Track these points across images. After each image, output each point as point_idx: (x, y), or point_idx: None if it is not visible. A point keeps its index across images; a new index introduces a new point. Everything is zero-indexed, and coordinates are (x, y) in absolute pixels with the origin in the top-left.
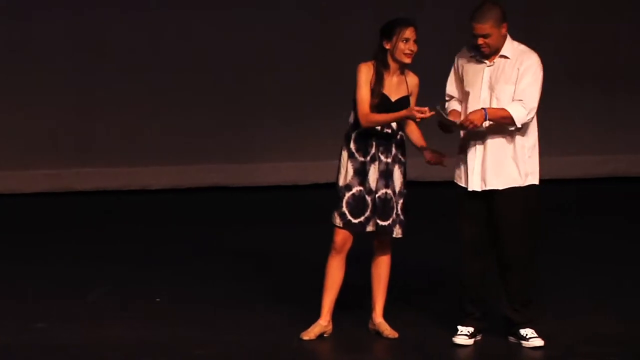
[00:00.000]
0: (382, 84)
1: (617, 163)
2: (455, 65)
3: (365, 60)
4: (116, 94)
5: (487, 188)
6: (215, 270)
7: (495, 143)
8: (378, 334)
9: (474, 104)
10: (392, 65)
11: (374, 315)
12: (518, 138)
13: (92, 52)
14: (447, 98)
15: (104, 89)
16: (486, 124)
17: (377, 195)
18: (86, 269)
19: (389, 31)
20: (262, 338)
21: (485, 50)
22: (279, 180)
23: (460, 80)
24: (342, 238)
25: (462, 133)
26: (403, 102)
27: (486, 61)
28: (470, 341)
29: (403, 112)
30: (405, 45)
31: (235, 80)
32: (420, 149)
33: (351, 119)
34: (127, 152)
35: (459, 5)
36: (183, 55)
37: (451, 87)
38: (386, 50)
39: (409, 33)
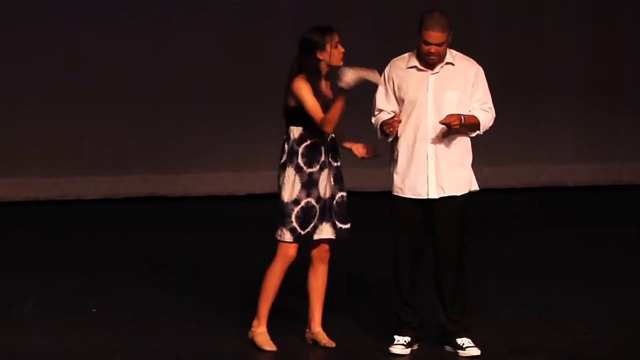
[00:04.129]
0: (321, 92)
1: (551, 173)
2: (387, 76)
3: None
4: (48, 104)
5: (446, 195)
6: (145, 280)
7: (444, 150)
8: (315, 343)
9: (421, 113)
10: (324, 72)
11: (312, 324)
12: (463, 144)
13: (20, 60)
14: (376, 112)
15: (34, 98)
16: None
17: (335, 201)
18: (18, 278)
19: (320, 42)
20: (188, 347)
21: (434, 58)
22: (214, 190)
23: (393, 93)
24: (293, 251)
25: (399, 144)
26: (334, 102)
27: (428, 70)
28: (407, 350)
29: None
30: (338, 49)
31: (169, 90)
32: (350, 148)
33: (294, 134)
34: (61, 162)
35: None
36: (113, 66)
37: (382, 101)
38: (320, 60)
39: (337, 38)
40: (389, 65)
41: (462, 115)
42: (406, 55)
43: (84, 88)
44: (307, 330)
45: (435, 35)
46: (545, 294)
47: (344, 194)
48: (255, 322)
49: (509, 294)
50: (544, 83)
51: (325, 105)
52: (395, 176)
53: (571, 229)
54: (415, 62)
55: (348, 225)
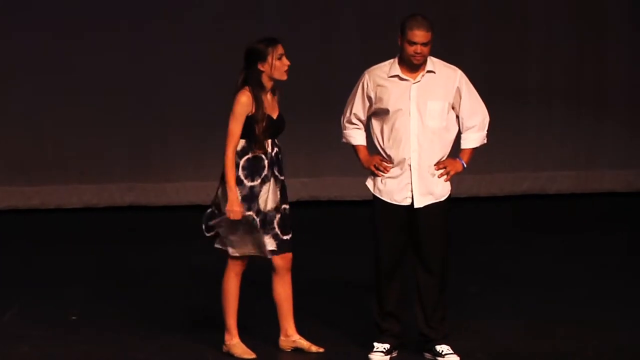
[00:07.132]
0: (264, 106)
1: (533, 181)
2: (366, 86)
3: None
4: (29, 112)
5: (430, 202)
6: (127, 290)
7: (426, 158)
8: (298, 350)
9: (404, 122)
10: (268, 85)
11: (289, 332)
12: (444, 151)
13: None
14: (353, 118)
15: (15, 105)
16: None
17: (279, 213)
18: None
19: (261, 53)
20: (171, 357)
21: (420, 59)
22: (198, 199)
23: (371, 104)
24: (242, 262)
25: (381, 152)
26: (281, 118)
27: (410, 79)
28: (387, 358)
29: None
30: (282, 62)
31: (152, 99)
32: None
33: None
34: (42, 170)
35: None
36: (95, 74)
37: (359, 107)
38: (261, 72)
39: (281, 50)
40: (366, 75)
41: (462, 161)
42: (387, 63)
43: (65, 96)
44: (283, 338)
45: (420, 34)
46: (526, 300)
47: (287, 206)
48: (227, 337)
49: (489, 300)
50: (526, 91)
51: (269, 121)
52: (378, 181)
53: (552, 237)
54: (397, 71)
55: (289, 237)
